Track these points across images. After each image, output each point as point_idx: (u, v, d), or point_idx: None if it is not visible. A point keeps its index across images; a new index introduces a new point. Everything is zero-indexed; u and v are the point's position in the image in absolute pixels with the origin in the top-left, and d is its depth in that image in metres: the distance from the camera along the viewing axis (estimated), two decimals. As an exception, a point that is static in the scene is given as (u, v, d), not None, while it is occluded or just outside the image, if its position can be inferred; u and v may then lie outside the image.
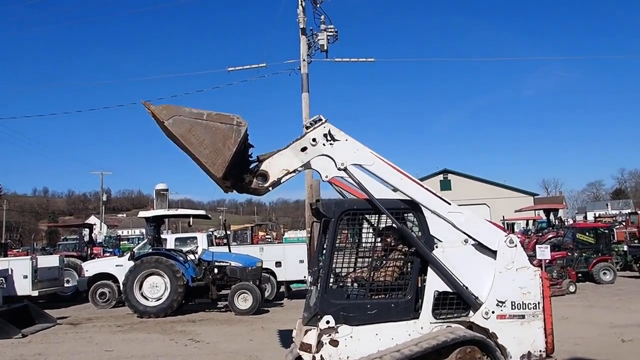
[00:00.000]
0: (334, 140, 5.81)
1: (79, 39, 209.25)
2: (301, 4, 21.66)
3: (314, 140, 5.79)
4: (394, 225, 5.71)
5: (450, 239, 5.94)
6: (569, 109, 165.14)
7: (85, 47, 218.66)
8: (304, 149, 5.80)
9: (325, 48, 22.27)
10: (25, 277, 15.82)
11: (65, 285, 18.51)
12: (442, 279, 5.71)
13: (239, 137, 5.26)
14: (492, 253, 5.87)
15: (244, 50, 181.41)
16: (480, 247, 5.90)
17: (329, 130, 5.81)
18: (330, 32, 22.23)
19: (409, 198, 5.84)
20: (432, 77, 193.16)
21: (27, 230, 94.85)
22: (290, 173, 5.84)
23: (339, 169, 5.80)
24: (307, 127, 5.90)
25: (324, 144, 5.80)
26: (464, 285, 5.73)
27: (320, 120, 5.86)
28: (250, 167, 5.80)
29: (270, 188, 5.85)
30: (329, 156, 5.81)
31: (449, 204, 5.94)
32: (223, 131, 5.25)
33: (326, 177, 5.90)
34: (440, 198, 5.94)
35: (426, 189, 5.96)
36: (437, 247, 5.83)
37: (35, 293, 15.95)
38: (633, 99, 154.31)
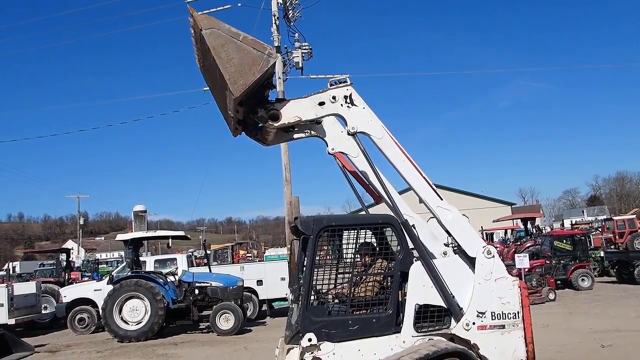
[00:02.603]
0: (353, 104, 5.86)
1: (50, 63, 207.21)
2: (275, 23, 21.80)
3: (333, 97, 5.84)
4: (400, 217, 5.70)
5: (430, 252, 5.96)
6: (542, 118, 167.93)
7: (58, 71, 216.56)
8: (321, 104, 5.85)
9: (301, 65, 22.38)
10: (1, 305, 15.47)
11: (43, 312, 18.14)
12: (435, 285, 5.67)
13: (266, 67, 5.26)
14: (471, 263, 5.90)
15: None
16: (459, 258, 5.94)
17: (351, 94, 5.86)
18: (305, 49, 22.37)
19: (397, 210, 5.83)
20: (407, 92, 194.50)
21: (3, 257, 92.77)
22: (301, 125, 5.91)
23: (349, 133, 5.83)
24: (331, 85, 5.92)
25: (341, 104, 5.85)
26: (451, 294, 5.74)
27: (346, 82, 5.91)
28: (266, 105, 5.84)
29: (279, 136, 5.91)
30: (342, 117, 5.86)
31: (441, 199, 6.01)
32: (253, 56, 5.24)
33: (332, 149, 5.95)
34: (435, 191, 6.03)
35: (424, 178, 6.03)
36: (416, 260, 5.83)
37: (12, 321, 15.57)
38: (604, 106, 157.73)
